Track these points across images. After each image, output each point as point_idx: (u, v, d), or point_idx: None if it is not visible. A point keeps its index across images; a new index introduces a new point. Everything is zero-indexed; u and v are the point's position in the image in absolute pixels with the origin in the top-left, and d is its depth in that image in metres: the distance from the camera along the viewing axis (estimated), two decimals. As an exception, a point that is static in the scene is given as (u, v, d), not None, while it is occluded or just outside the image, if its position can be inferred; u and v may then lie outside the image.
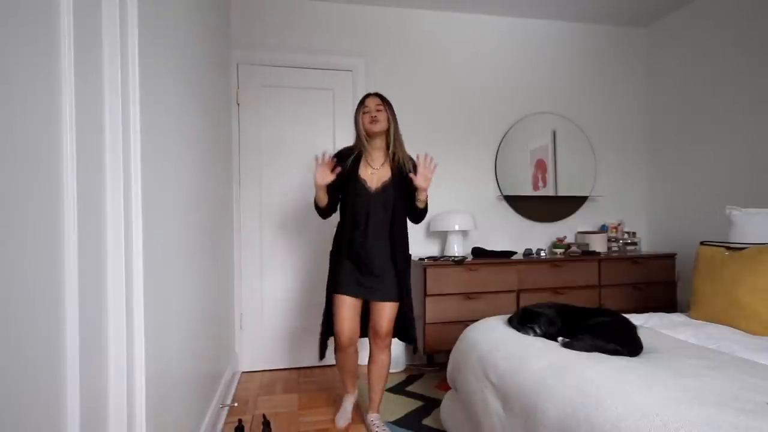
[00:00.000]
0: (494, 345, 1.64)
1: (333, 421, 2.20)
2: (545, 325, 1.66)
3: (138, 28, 1.07)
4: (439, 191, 3.11)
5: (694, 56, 3.22)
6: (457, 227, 3.00)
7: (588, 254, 3.09)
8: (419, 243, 3.18)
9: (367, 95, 2.07)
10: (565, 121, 3.46)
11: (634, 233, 3.44)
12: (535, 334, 1.66)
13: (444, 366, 2.50)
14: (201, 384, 1.83)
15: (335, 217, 2.17)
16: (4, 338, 0.63)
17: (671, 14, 3.39)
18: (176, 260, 1.47)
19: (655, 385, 1.15)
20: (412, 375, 2.85)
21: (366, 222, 2.00)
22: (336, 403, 2.38)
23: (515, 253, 3.14)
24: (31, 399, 0.69)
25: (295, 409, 2.37)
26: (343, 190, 2.06)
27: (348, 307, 2.01)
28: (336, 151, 2.12)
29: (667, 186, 3.47)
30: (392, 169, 2.04)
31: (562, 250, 3.15)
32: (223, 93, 2.59)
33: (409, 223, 2.13)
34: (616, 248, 3.30)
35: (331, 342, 2.16)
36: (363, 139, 2.02)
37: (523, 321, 1.72)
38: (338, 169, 1.98)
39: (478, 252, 3.06)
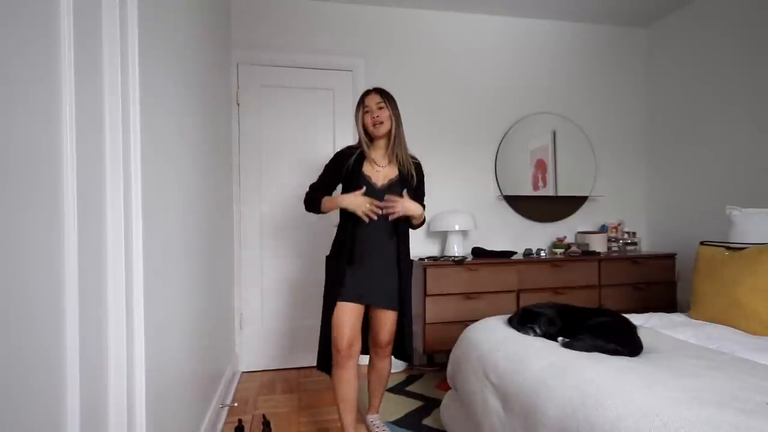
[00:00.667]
0: (494, 345, 1.64)
1: (333, 421, 2.20)
2: (545, 325, 1.66)
3: (138, 28, 1.07)
4: (439, 191, 3.11)
5: (694, 56, 3.22)
6: (457, 227, 3.00)
7: (588, 254, 3.09)
8: (419, 243, 3.18)
9: (367, 92, 1.92)
10: (565, 121, 3.46)
11: (634, 233, 3.44)
12: (535, 334, 1.66)
13: (444, 366, 2.50)
14: (201, 384, 1.83)
15: (335, 218, 2.16)
16: (4, 338, 0.63)
17: (671, 14, 3.40)
18: (176, 260, 1.47)
19: (655, 385, 1.15)
20: (412, 375, 2.85)
21: (371, 221, 1.86)
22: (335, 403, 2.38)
23: (515, 253, 3.14)
24: (31, 399, 0.69)
25: (295, 409, 2.37)
26: (344, 189, 1.95)
27: (349, 313, 1.85)
28: (338, 151, 2.02)
29: (666, 186, 3.47)
30: (398, 167, 1.94)
31: (562, 250, 3.15)
32: (223, 93, 2.59)
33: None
34: (616, 248, 3.30)
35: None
36: (364, 141, 1.90)
37: (523, 321, 1.72)
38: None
39: (478, 252, 3.05)
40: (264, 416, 2.00)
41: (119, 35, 1.00)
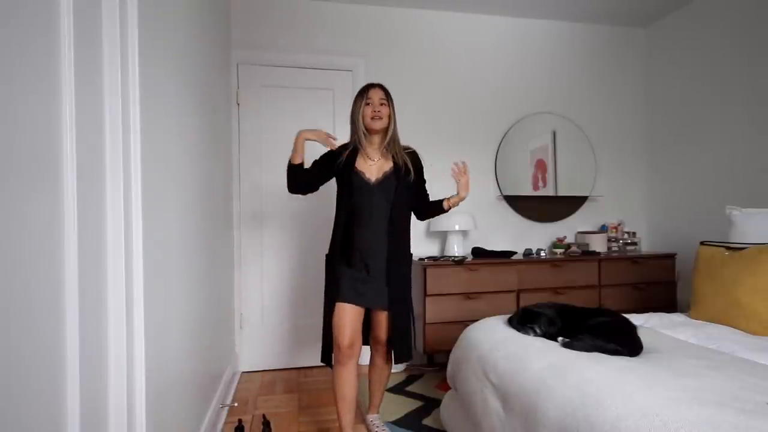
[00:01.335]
0: (494, 345, 1.64)
1: (333, 421, 2.20)
2: (545, 325, 1.66)
3: (138, 28, 1.07)
4: (439, 191, 3.10)
5: (693, 57, 3.22)
6: (457, 227, 3.00)
7: (588, 254, 3.09)
8: (419, 243, 3.18)
9: (371, 85, 1.91)
10: (565, 121, 3.46)
11: (634, 233, 3.45)
12: (535, 334, 1.66)
13: (444, 366, 2.50)
14: (201, 384, 1.83)
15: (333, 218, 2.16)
16: (4, 338, 0.63)
17: (670, 15, 3.40)
18: (176, 260, 1.47)
19: (655, 385, 1.15)
20: (412, 375, 2.85)
21: (369, 216, 1.86)
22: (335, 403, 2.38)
23: (515, 253, 3.14)
24: (32, 399, 0.69)
25: (295, 409, 2.37)
26: (338, 183, 1.95)
27: (349, 314, 1.85)
28: (327, 151, 1.98)
29: (666, 186, 3.47)
30: (392, 159, 1.92)
31: (562, 250, 3.15)
32: (223, 93, 2.59)
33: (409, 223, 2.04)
34: (616, 248, 3.30)
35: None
36: (361, 133, 1.89)
37: (523, 321, 1.72)
38: (335, 143, 1.90)
39: (478, 252, 3.06)
40: (264, 416, 2.00)
41: (119, 35, 1.00)
